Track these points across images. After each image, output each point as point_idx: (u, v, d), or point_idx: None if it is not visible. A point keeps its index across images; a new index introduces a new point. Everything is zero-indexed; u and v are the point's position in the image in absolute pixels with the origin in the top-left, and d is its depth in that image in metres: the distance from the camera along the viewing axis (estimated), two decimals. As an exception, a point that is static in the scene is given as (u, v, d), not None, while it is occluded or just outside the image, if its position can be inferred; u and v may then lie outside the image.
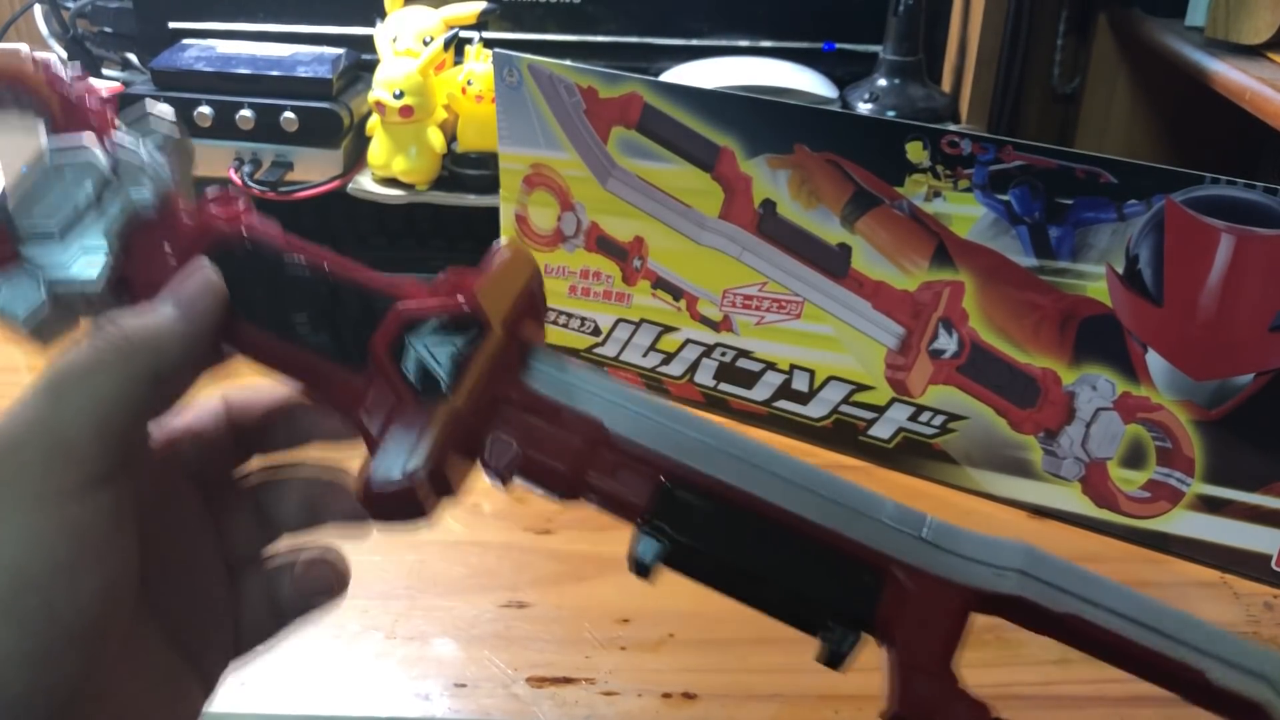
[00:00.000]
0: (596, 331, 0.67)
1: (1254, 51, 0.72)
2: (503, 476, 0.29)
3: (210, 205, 0.31)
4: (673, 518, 0.28)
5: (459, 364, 0.28)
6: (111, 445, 0.26)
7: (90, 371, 0.26)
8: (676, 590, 0.51)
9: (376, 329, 0.29)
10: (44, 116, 0.31)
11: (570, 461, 0.29)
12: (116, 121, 0.31)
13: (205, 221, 0.30)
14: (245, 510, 0.33)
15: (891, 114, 0.77)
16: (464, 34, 0.73)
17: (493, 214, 0.68)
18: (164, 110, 0.32)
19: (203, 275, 0.29)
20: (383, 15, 0.75)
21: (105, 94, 0.32)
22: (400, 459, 0.27)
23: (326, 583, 0.33)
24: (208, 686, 0.32)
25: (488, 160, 0.70)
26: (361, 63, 0.77)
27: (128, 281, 0.30)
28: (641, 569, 0.28)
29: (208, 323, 0.29)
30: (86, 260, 0.29)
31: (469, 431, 0.29)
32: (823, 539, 0.28)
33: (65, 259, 0.29)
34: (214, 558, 0.33)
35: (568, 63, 0.61)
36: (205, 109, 0.71)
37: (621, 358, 0.67)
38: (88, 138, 0.30)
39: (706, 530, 0.28)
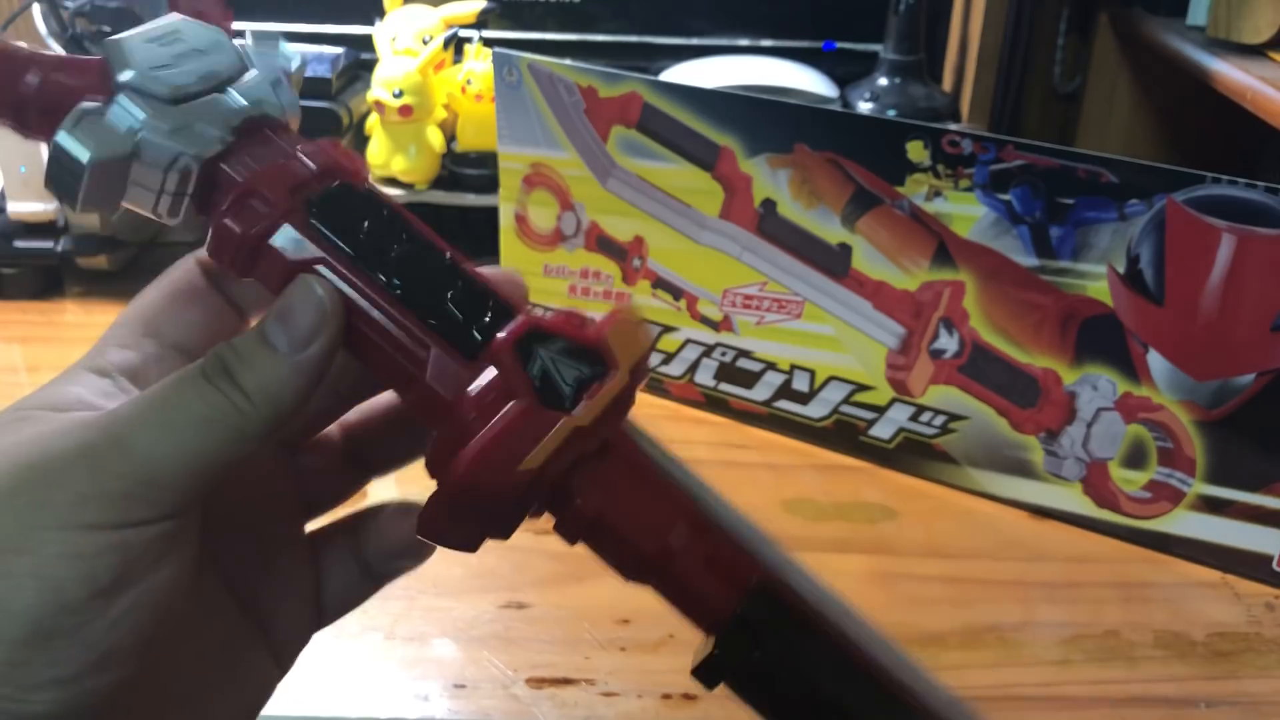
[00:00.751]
0: (596, 331, 0.67)
1: (1255, 51, 0.72)
2: (572, 533, 0.27)
3: (327, 147, 0.28)
4: (759, 626, 0.27)
5: (583, 388, 0.26)
6: (199, 489, 0.24)
7: (202, 427, 0.24)
8: (676, 591, 0.51)
9: (495, 322, 0.26)
10: None
11: (656, 534, 0.27)
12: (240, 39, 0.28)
13: (326, 157, 0.27)
14: (329, 460, 0.32)
15: (892, 113, 0.77)
16: (463, 33, 0.73)
17: (492, 213, 0.68)
18: (292, 51, 0.29)
19: (317, 303, 0.25)
20: (382, 14, 0.75)
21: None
22: (513, 453, 0.25)
23: (412, 540, 0.30)
24: (282, 661, 0.30)
25: (487, 160, 0.70)
26: (361, 62, 0.77)
27: (208, 192, 0.26)
28: (712, 678, 0.27)
29: (326, 365, 0.26)
30: (196, 135, 0.26)
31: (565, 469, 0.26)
32: (901, 692, 0.27)
33: (175, 120, 0.26)
34: (292, 519, 0.31)
35: (567, 62, 0.61)
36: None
37: (621, 357, 0.67)
38: (223, 31, 0.27)
39: (791, 648, 0.27)
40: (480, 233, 0.73)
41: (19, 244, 0.72)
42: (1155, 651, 0.49)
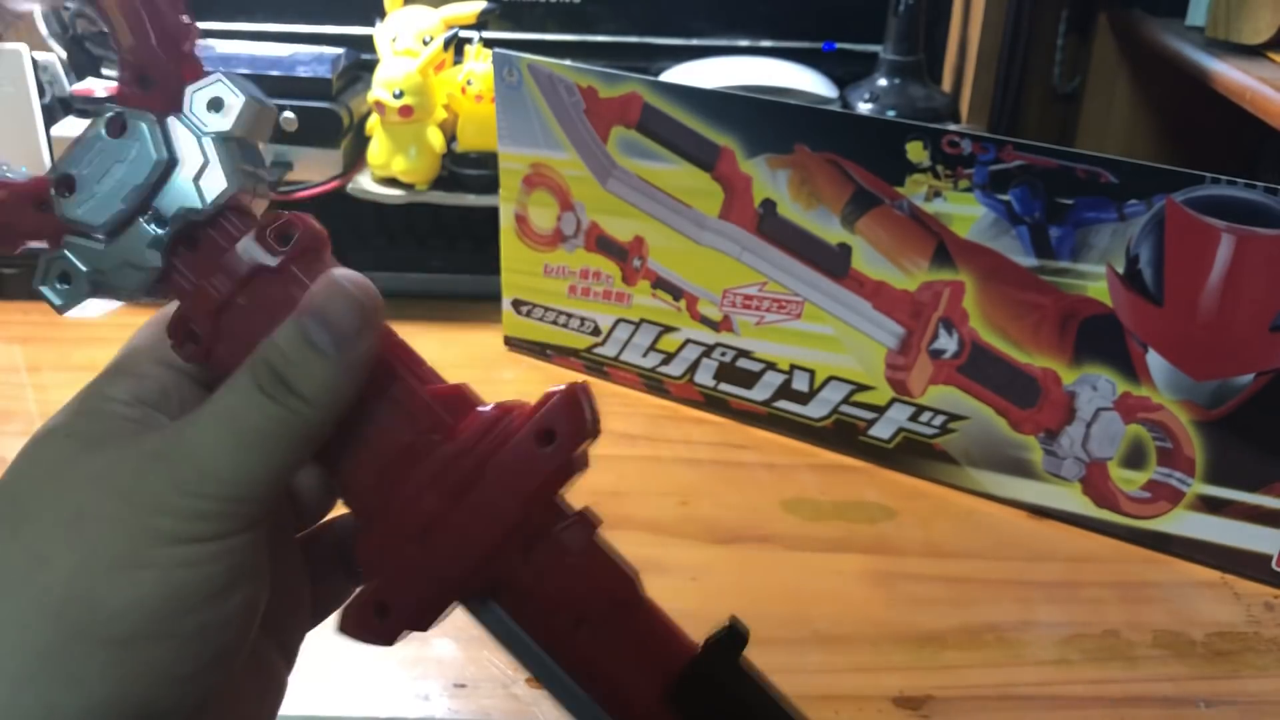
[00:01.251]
0: (596, 331, 0.67)
1: (1254, 51, 0.72)
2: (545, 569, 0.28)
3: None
4: (735, 645, 0.28)
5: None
6: (279, 493, 0.26)
7: (272, 441, 0.26)
8: (677, 590, 0.51)
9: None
10: (122, 48, 0.27)
11: (592, 604, 0.28)
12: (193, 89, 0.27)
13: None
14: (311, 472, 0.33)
15: (892, 114, 0.77)
16: (464, 34, 0.73)
17: (492, 214, 0.68)
18: (237, 88, 0.28)
19: (353, 302, 0.26)
20: (382, 15, 0.75)
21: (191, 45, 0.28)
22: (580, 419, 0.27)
23: None
24: (289, 660, 0.32)
25: (487, 160, 0.70)
26: (361, 62, 0.77)
27: (172, 281, 0.28)
28: (698, 688, 0.28)
29: (371, 359, 0.27)
30: (130, 272, 0.27)
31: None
32: None
33: (109, 262, 0.28)
34: (287, 523, 0.32)
35: (568, 63, 0.61)
36: (205, 109, 0.70)
37: (621, 358, 0.67)
38: (147, 121, 0.27)
39: (757, 682, 0.28)
40: (480, 233, 0.73)
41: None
42: (1154, 651, 0.49)
